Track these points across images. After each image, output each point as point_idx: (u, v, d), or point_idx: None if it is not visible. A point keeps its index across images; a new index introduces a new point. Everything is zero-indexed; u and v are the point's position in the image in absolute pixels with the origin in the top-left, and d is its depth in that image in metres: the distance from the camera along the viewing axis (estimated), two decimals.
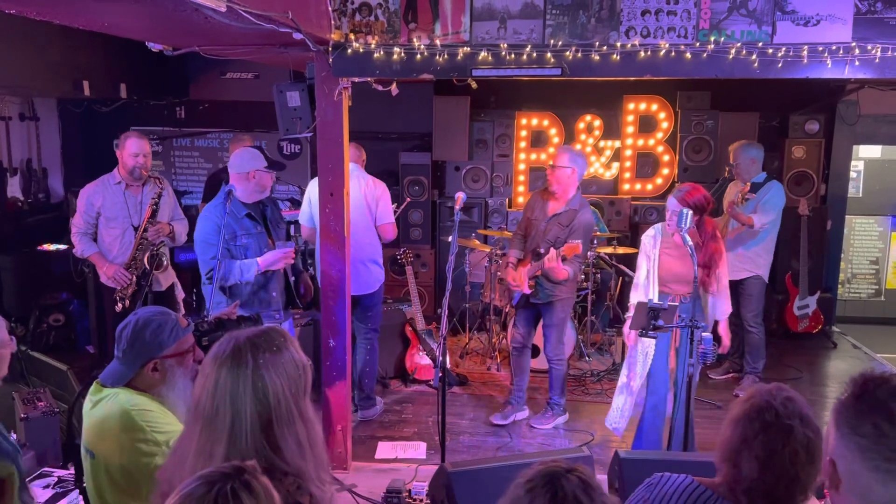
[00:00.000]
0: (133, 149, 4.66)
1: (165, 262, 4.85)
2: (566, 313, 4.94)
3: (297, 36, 3.36)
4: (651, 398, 4.22)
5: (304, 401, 1.73)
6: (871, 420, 1.29)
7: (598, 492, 1.41)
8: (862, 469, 1.28)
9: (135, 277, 4.66)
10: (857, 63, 3.52)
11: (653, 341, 4.13)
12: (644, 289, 4.18)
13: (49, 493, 3.53)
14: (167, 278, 4.94)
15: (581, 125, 7.29)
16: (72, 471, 3.70)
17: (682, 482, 1.84)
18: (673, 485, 1.85)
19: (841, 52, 3.53)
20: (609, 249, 6.13)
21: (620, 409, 4.34)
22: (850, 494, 1.31)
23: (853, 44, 3.52)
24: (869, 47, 3.50)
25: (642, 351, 4.21)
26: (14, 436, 3.86)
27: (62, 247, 6.61)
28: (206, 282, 3.91)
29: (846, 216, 7.39)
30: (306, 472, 1.66)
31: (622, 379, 4.34)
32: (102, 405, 2.14)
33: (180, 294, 5.16)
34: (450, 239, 4.17)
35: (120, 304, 4.64)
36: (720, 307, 4.20)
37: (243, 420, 1.62)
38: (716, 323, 4.25)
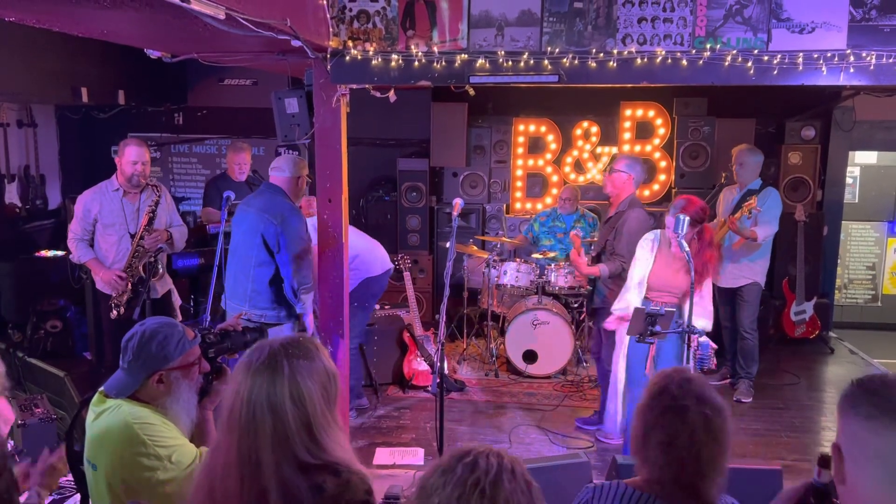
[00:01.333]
0: (132, 156, 4.66)
1: (161, 270, 4.84)
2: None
3: (296, 43, 3.37)
4: (632, 406, 4.21)
5: (335, 409, 1.76)
6: (867, 398, 1.35)
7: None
8: (865, 434, 1.32)
9: (130, 284, 4.65)
10: (852, 70, 3.55)
11: (625, 346, 4.16)
12: (637, 291, 4.19)
13: (47, 499, 3.52)
14: (163, 285, 4.94)
15: (578, 131, 7.31)
16: (69, 477, 3.69)
17: (614, 490, 1.85)
18: (606, 494, 1.86)
19: (836, 59, 3.55)
20: None
21: (612, 415, 4.37)
22: (860, 472, 1.33)
23: (848, 51, 3.55)
24: (864, 54, 3.52)
25: (622, 355, 4.25)
26: (11, 442, 3.86)
27: (60, 253, 6.60)
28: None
29: (842, 222, 7.42)
30: (356, 462, 1.71)
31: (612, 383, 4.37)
32: (105, 417, 2.12)
33: (177, 301, 5.16)
34: (447, 245, 4.19)
35: (115, 311, 4.63)
36: (700, 320, 4.06)
37: (286, 423, 1.63)
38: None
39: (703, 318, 4.05)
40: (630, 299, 4.16)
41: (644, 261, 4.19)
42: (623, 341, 4.26)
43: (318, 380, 1.70)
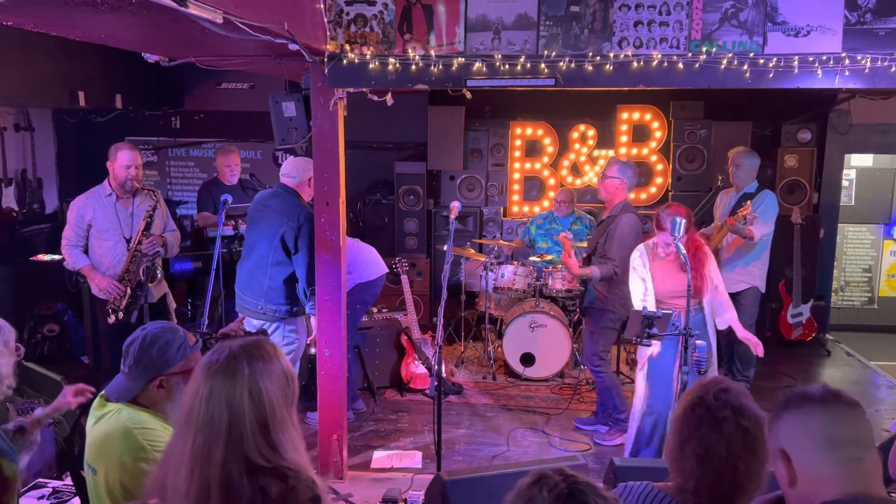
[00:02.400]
0: (125, 161, 4.65)
1: (159, 275, 4.84)
2: (605, 324, 4.79)
3: (293, 47, 3.38)
4: (648, 418, 4.17)
5: (293, 410, 1.76)
6: (797, 398, 1.56)
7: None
8: (801, 418, 1.53)
9: (129, 289, 4.64)
10: (847, 73, 3.56)
11: (648, 357, 4.13)
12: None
13: (44, 503, 3.52)
14: (159, 290, 4.93)
15: (575, 134, 7.33)
16: (66, 481, 3.69)
17: (640, 489, 1.86)
18: (633, 493, 1.87)
19: (831, 62, 3.57)
20: None
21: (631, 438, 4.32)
22: (805, 457, 1.51)
23: (843, 54, 3.56)
24: (859, 58, 3.54)
25: (643, 374, 4.19)
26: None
27: (57, 257, 6.59)
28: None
29: (839, 224, 7.44)
30: (308, 468, 1.70)
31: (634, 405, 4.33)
32: (105, 421, 2.13)
33: (172, 305, 5.15)
34: (445, 248, 4.19)
35: (112, 317, 4.62)
36: (725, 314, 4.16)
37: (242, 423, 1.64)
38: (731, 331, 4.24)
39: (729, 311, 4.15)
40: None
41: (641, 279, 4.16)
42: (643, 359, 4.23)
43: (276, 381, 1.71)
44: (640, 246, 4.24)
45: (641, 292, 4.15)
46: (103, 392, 2.20)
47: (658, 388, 4.12)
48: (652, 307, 4.08)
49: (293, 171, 4.46)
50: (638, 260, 4.19)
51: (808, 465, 1.51)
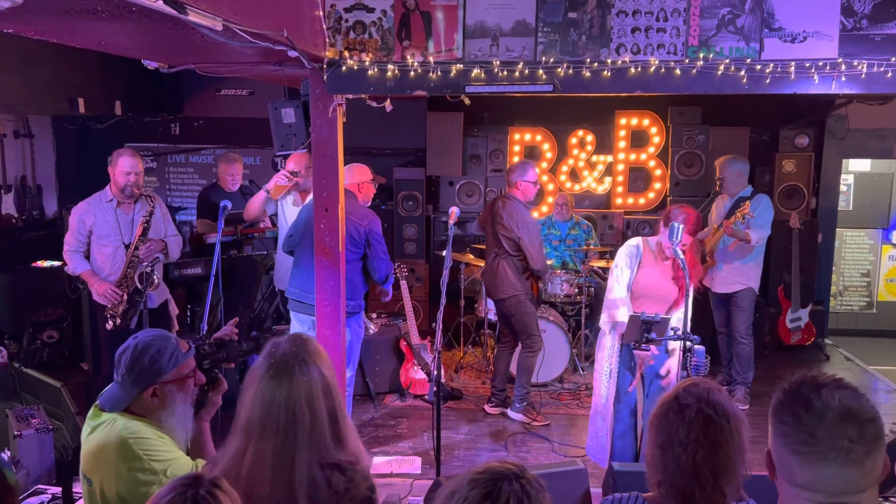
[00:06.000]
0: (125, 167, 4.66)
1: (156, 280, 4.84)
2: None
3: (292, 53, 3.39)
4: (619, 426, 4.16)
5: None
6: (792, 409, 1.42)
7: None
8: (785, 453, 1.42)
9: (126, 295, 4.64)
10: (843, 79, 3.58)
11: (614, 361, 4.10)
12: (627, 305, 4.02)
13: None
14: (160, 295, 4.93)
15: (573, 140, 7.35)
16: (59, 489, 3.68)
17: (628, 500, 1.84)
18: None
19: (827, 67, 3.58)
20: (602, 263, 6.17)
21: (598, 437, 4.26)
22: (781, 478, 1.45)
23: (839, 60, 3.58)
24: (855, 63, 3.56)
25: (605, 371, 4.15)
26: (7, 452, 3.86)
27: (56, 263, 6.59)
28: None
29: (837, 229, 7.46)
30: (364, 456, 1.76)
31: (595, 403, 4.29)
32: (100, 431, 2.11)
33: (174, 310, 5.15)
34: (444, 253, 4.20)
35: (111, 322, 4.62)
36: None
37: (322, 419, 1.68)
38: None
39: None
40: (620, 315, 4.02)
41: (625, 275, 4.08)
42: (604, 359, 4.19)
43: (331, 369, 1.79)
44: (640, 239, 4.17)
45: (622, 289, 4.05)
46: (97, 402, 2.19)
47: (620, 396, 4.11)
48: (626, 296, 4.05)
49: (346, 172, 4.51)
50: (633, 248, 4.10)
51: (785, 490, 1.44)
